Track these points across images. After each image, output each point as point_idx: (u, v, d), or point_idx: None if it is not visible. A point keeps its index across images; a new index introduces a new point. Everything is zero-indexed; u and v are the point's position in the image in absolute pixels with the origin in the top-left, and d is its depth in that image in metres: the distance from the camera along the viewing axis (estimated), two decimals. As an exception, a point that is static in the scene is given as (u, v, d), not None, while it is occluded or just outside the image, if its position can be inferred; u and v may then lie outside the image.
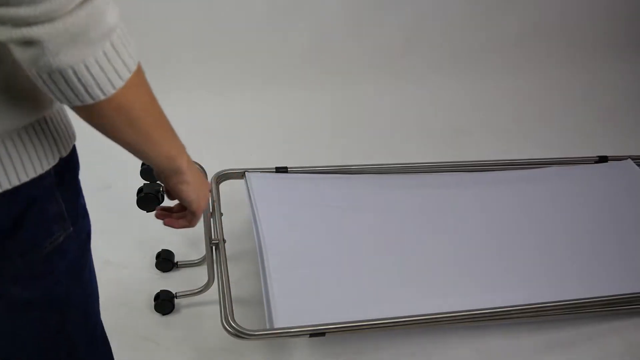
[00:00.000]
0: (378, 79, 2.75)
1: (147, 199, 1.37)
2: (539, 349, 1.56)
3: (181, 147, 0.81)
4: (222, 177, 1.71)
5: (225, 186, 1.71)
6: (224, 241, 1.49)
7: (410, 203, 1.80)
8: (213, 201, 1.59)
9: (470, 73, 2.85)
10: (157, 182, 1.44)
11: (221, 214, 1.55)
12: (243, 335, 1.29)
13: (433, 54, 2.82)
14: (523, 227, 1.79)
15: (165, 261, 1.74)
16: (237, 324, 1.29)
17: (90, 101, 0.60)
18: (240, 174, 1.73)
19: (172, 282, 1.67)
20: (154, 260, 1.69)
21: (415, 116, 2.65)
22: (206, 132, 2.31)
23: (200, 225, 1.60)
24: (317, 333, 1.32)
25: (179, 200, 0.92)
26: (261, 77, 2.56)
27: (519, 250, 1.70)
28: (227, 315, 1.30)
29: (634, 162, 2.08)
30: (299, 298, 1.42)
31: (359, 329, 1.36)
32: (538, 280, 1.61)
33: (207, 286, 1.64)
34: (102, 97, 0.60)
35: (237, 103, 2.47)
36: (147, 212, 1.41)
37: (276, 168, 1.78)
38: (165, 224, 1.02)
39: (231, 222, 1.83)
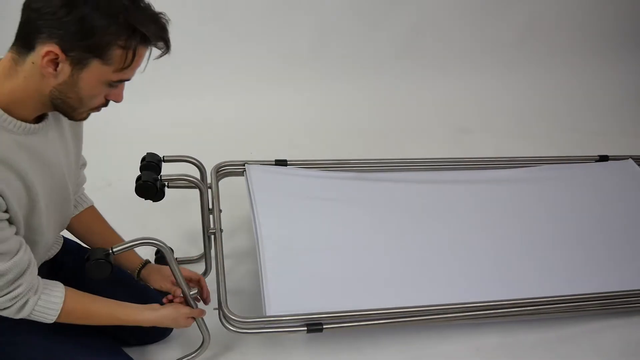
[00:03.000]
0: (378, 78, 2.76)
1: (145, 187, 1.39)
2: (536, 347, 1.56)
3: (132, 315, 1.21)
4: (222, 169, 1.73)
5: (225, 184, 1.72)
6: (221, 231, 1.50)
7: (408, 198, 1.81)
8: (212, 197, 1.61)
9: (470, 72, 2.86)
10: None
11: (220, 210, 1.56)
12: (236, 323, 1.29)
13: (433, 53, 2.83)
14: (522, 225, 1.79)
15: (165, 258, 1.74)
16: (230, 311, 1.30)
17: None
18: (240, 168, 1.74)
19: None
20: (154, 257, 1.70)
21: (416, 114, 2.66)
22: (206, 130, 2.34)
23: (199, 221, 1.62)
24: (313, 324, 1.32)
25: None
26: (262, 75, 2.58)
27: (518, 248, 1.70)
28: (221, 302, 1.31)
29: (635, 161, 2.08)
30: (294, 288, 1.42)
31: (355, 320, 1.37)
32: (536, 278, 1.61)
33: (204, 275, 1.65)
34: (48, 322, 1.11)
35: (238, 101, 2.49)
36: (145, 199, 1.43)
37: (276, 161, 1.79)
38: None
39: (233, 218, 1.84)
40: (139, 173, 1.44)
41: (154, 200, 1.44)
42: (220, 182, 1.69)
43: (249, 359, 1.48)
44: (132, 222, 1.38)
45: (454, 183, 1.89)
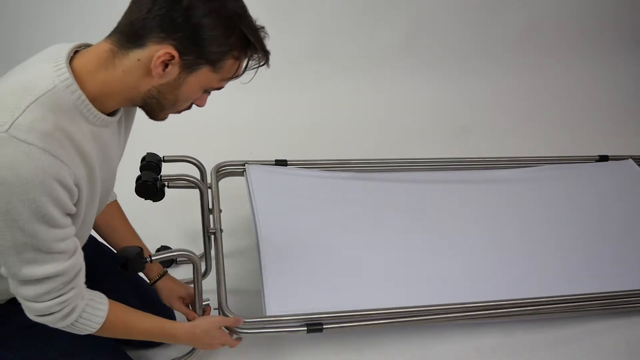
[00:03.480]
0: (378, 78, 2.76)
1: (145, 187, 1.40)
2: (536, 347, 1.56)
3: (163, 333, 1.21)
4: (222, 169, 1.73)
5: (225, 184, 1.72)
6: (221, 231, 1.50)
7: (408, 198, 1.81)
8: (212, 197, 1.61)
9: (470, 72, 2.86)
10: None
11: (220, 210, 1.56)
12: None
13: (433, 53, 2.83)
14: (522, 225, 1.79)
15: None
16: (230, 311, 1.30)
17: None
18: (240, 168, 1.75)
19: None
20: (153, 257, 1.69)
21: (415, 114, 2.66)
22: (206, 130, 2.33)
23: (199, 221, 1.62)
24: (313, 324, 1.32)
25: None
26: (262, 74, 2.57)
27: (518, 248, 1.70)
28: (221, 302, 1.31)
29: (635, 161, 2.08)
30: (294, 288, 1.42)
31: (355, 320, 1.37)
32: (536, 278, 1.61)
33: (204, 276, 1.65)
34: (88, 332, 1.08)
35: (238, 101, 2.48)
36: (145, 199, 1.43)
37: (276, 161, 1.80)
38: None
39: (233, 218, 1.84)
40: (139, 173, 1.44)
41: (154, 200, 1.44)
42: (220, 182, 1.69)
43: (249, 359, 1.48)
44: (132, 222, 1.38)
45: (454, 183, 1.89)
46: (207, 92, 1.02)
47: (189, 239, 1.85)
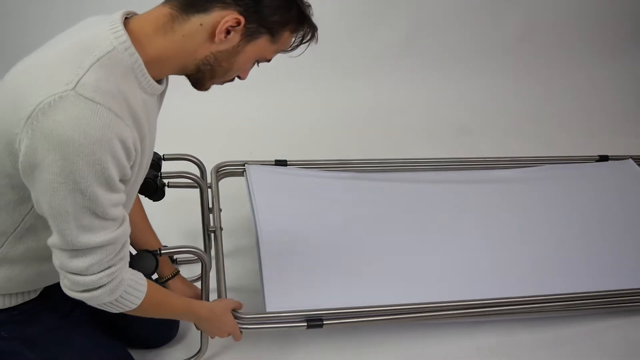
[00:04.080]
0: (378, 78, 2.76)
1: (145, 183, 1.40)
2: (536, 347, 1.55)
3: (190, 311, 1.21)
4: (222, 169, 1.73)
5: (225, 184, 1.72)
6: (221, 229, 1.50)
7: (408, 198, 1.81)
8: (212, 196, 1.61)
9: (470, 72, 2.86)
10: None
11: (220, 210, 1.57)
12: (236, 320, 1.29)
13: (433, 53, 2.83)
14: (522, 225, 1.79)
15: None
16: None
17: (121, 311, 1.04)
18: (240, 168, 1.75)
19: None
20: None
21: (416, 114, 2.66)
22: (206, 130, 2.34)
23: (199, 221, 1.62)
24: (314, 320, 1.32)
25: None
26: (262, 73, 2.57)
27: (518, 248, 1.70)
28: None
29: (635, 161, 2.08)
30: (294, 286, 1.42)
31: (355, 316, 1.37)
32: (536, 277, 1.61)
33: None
34: (128, 309, 1.04)
35: (238, 101, 2.48)
36: (145, 196, 1.44)
37: (276, 161, 1.80)
38: None
39: (233, 218, 1.84)
40: None
41: (154, 200, 1.45)
42: (220, 183, 1.69)
43: (250, 356, 1.48)
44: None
45: (454, 183, 1.89)
46: (257, 63, 1.02)
47: (188, 239, 1.85)
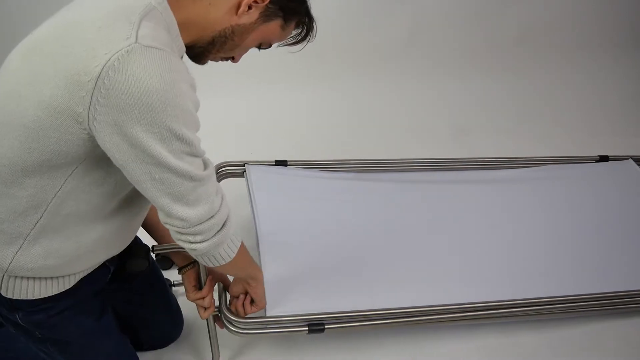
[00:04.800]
0: (378, 78, 2.76)
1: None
2: (536, 347, 1.56)
3: (257, 269, 1.28)
4: (222, 169, 1.73)
5: (225, 184, 1.72)
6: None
7: (408, 198, 1.81)
8: None
9: (470, 72, 2.86)
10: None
11: None
12: (237, 324, 1.29)
13: (434, 52, 2.83)
14: (522, 225, 1.79)
15: (165, 259, 1.74)
16: (229, 310, 1.30)
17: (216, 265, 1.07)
18: (240, 168, 1.75)
19: (171, 279, 1.68)
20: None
21: (416, 113, 2.66)
22: (206, 130, 2.32)
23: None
24: (315, 324, 1.32)
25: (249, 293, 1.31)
26: (262, 75, 2.58)
27: (517, 248, 1.70)
28: (220, 301, 1.31)
29: (635, 161, 2.08)
30: (295, 288, 1.42)
31: (356, 320, 1.37)
32: (536, 278, 1.61)
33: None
34: (223, 263, 1.07)
35: (238, 101, 2.48)
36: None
37: (276, 161, 1.80)
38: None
39: (233, 219, 1.83)
40: None
41: None
42: (221, 182, 1.69)
43: (250, 357, 1.48)
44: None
45: (454, 183, 1.89)
46: (260, 46, 1.05)
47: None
